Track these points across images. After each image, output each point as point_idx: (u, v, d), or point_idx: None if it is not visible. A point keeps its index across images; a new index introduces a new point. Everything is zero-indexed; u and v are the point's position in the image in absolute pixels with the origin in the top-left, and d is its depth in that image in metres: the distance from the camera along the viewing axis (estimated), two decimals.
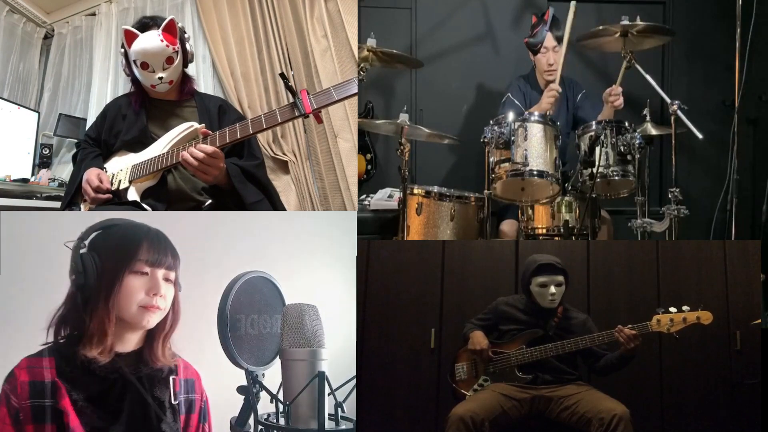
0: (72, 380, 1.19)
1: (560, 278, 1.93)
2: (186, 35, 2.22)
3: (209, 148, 1.87)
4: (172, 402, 1.28)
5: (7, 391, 1.17)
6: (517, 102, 3.01)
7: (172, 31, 2.11)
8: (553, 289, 1.91)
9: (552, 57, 2.98)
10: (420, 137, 2.90)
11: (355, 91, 1.81)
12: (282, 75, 1.91)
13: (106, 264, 1.24)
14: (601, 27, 2.66)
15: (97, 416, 1.19)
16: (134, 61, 2.10)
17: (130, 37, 2.09)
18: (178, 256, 1.31)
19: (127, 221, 1.32)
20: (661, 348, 2.24)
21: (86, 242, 1.25)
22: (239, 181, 2.03)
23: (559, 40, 2.93)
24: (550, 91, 2.85)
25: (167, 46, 2.08)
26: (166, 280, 1.28)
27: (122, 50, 2.16)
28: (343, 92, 1.80)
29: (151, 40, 2.07)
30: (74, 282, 1.24)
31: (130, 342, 1.28)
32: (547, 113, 2.62)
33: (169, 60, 2.10)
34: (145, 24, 2.14)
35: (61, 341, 1.24)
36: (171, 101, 2.23)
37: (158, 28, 2.10)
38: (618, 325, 1.83)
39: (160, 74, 2.10)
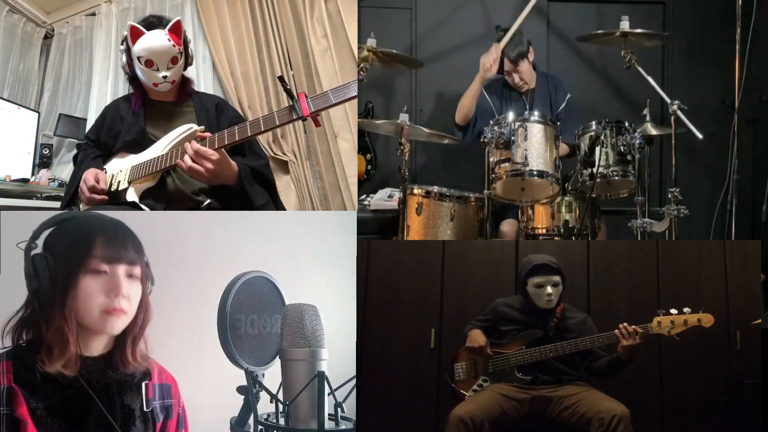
0: (31, 387, 1.10)
1: (556, 278, 1.92)
2: (188, 39, 2.23)
3: (195, 145, 1.87)
4: (144, 409, 1.20)
5: None
6: (489, 101, 3.07)
7: (177, 31, 2.12)
8: (549, 289, 1.91)
9: (516, 77, 3.02)
10: (420, 137, 2.90)
11: (354, 94, 1.81)
12: (280, 78, 1.92)
13: (60, 265, 1.14)
14: (600, 31, 2.69)
15: (58, 427, 1.10)
16: (138, 59, 2.10)
17: (135, 34, 2.09)
18: (142, 247, 1.21)
19: (83, 214, 1.23)
20: (661, 348, 2.24)
21: (38, 242, 1.15)
22: (249, 182, 2.03)
23: (521, 55, 2.97)
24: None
25: (173, 45, 2.09)
26: (130, 276, 1.18)
27: (123, 47, 2.15)
28: (341, 96, 1.80)
29: (158, 39, 2.08)
30: (29, 286, 1.14)
31: (97, 346, 1.18)
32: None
33: (174, 60, 2.11)
34: (152, 23, 2.14)
35: (22, 345, 1.15)
36: (169, 102, 2.23)
37: (164, 27, 2.11)
38: (620, 324, 1.82)
39: (165, 73, 2.10)
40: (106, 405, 1.14)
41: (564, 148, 2.79)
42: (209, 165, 1.88)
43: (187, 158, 1.88)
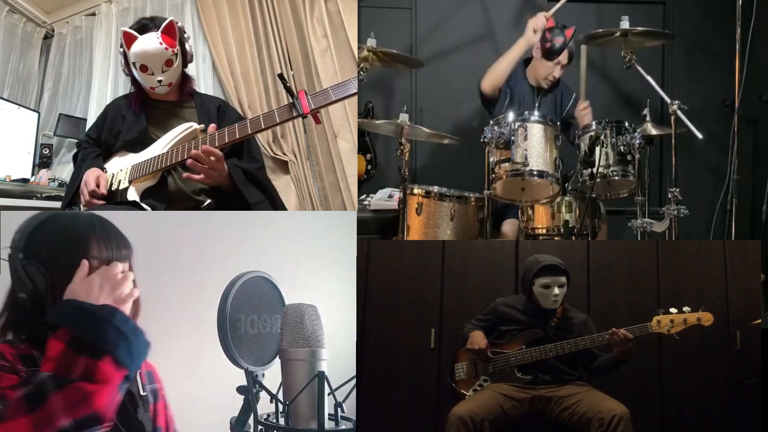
0: None
1: (563, 279, 1.93)
2: (186, 35, 2.22)
3: (205, 147, 1.87)
4: (141, 393, 1.27)
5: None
6: (527, 81, 3.03)
7: (171, 33, 2.10)
8: (556, 290, 1.92)
9: (558, 72, 2.98)
10: (420, 137, 2.90)
11: (353, 91, 1.81)
12: (280, 76, 1.91)
13: (56, 271, 1.12)
14: (600, 30, 2.68)
15: None
16: (133, 63, 2.10)
17: (129, 39, 2.09)
18: (130, 245, 1.22)
19: (60, 215, 1.21)
20: (661, 348, 2.24)
21: (21, 253, 1.14)
22: (241, 182, 2.03)
23: (571, 59, 2.96)
24: (586, 109, 2.91)
25: (166, 48, 2.07)
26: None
27: (121, 50, 2.16)
28: (340, 92, 1.81)
29: (149, 43, 2.07)
30: (22, 299, 1.12)
31: None
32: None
33: (168, 62, 2.10)
34: (145, 25, 2.13)
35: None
36: (171, 102, 2.23)
37: (157, 29, 2.09)
38: (612, 328, 1.83)
39: (159, 77, 2.09)
40: None
41: None
42: (214, 173, 1.90)
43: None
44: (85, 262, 1.11)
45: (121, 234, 1.22)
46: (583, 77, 2.92)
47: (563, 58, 2.96)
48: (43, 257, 1.14)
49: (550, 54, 2.96)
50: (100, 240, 1.17)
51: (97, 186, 2.03)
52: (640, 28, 2.60)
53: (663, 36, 2.74)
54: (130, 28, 2.13)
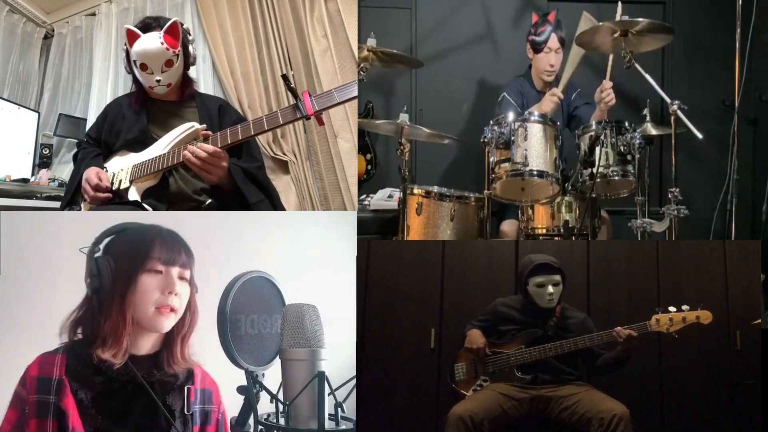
0: (81, 379, 1.20)
1: (557, 278, 1.93)
2: (190, 37, 2.22)
3: (210, 147, 1.87)
4: (185, 412, 1.27)
5: (19, 386, 1.19)
6: (513, 102, 3.02)
7: (174, 33, 2.10)
8: (551, 288, 1.91)
9: (553, 58, 3.01)
10: (420, 137, 2.90)
11: (355, 94, 1.81)
12: (284, 77, 1.91)
13: (121, 265, 1.25)
14: (600, 23, 2.66)
15: (102, 417, 1.19)
16: (134, 62, 2.10)
17: (131, 37, 2.09)
18: (192, 255, 1.32)
19: (140, 224, 1.32)
20: (661, 348, 2.23)
21: (101, 246, 1.27)
22: (242, 180, 2.03)
23: (562, 42, 2.99)
24: (553, 96, 2.86)
25: (167, 48, 2.07)
26: (181, 278, 1.29)
27: (124, 48, 2.16)
28: (345, 94, 1.81)
29: (151, 42, 2.07)
30: (89, 285, 1.25)
31: (146, 345, 1.28)
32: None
33: (169, 63, 2.09)
34: (148, 24, 2.13)
35: (76, 340, 1.25)
36: (172, 102, 2.23)
37: (161, 29, 2.09)
38: (616, 327, 1.83)
39: (158, 77, 2.09)
40: (149, 401, 1.23)
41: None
42: (219, 171, 1.91)
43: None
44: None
45: (184, 243, 1.32)
46: (568, 73, 2.91)
47: (553, 44, 3.00)
48: (114, 253, 1.26)
49: (536, 46, 3.04)
50: (164, 244, 1.28)
51: (100, 180, 2.03)
52: (640, 20, 2.56)
53: (663, 30, 2.69)
54: (135, 26, 2.13)
